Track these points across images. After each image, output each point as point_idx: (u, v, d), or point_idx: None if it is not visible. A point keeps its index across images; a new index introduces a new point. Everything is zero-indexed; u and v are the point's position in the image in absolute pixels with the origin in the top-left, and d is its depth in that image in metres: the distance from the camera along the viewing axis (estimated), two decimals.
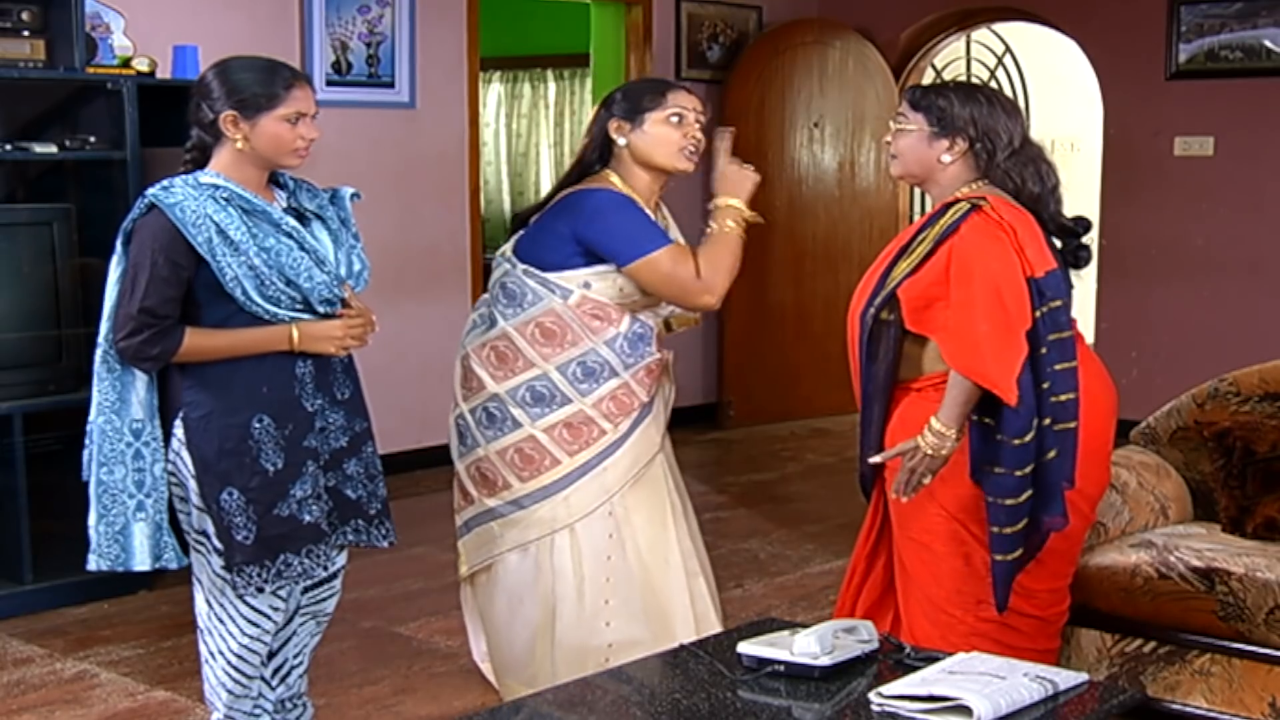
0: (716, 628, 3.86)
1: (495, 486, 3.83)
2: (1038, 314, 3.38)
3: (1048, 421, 3.39)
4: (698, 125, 3.79)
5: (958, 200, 3.47)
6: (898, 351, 3.51)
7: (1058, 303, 3.41)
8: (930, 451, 3.38)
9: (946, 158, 3.54)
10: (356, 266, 3.52)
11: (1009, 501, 3.38)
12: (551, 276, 3.75)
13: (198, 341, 3.34)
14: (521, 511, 3.82)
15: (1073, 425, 3.43)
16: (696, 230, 3.85)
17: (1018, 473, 3.36)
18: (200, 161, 3.44)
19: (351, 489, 3.58)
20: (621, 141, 3.77)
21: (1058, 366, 3.40)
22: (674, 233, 3.91)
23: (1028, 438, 3.35)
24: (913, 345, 3.51)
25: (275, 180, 3.52)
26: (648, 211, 3.78)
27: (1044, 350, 3.38)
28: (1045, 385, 3.38)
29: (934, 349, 3.47)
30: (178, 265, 3.30)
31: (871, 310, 3.52)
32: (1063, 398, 3.41)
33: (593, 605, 3.82)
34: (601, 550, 3.81)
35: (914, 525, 3.56)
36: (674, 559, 3.85)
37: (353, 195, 3.61)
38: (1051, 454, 3.40)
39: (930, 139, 3.54)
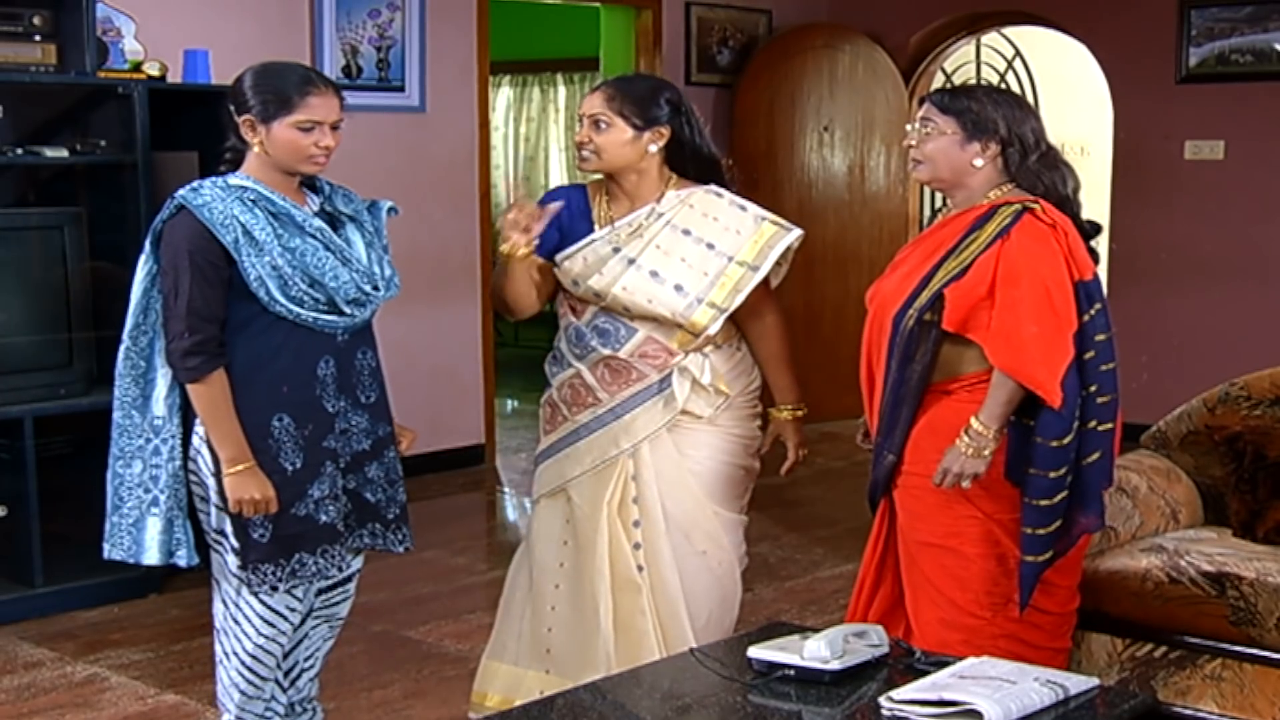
0: (650, 649, 3.75)
1: None
2: (1085, 317, 3.39)
3: (1092, 424, 3.40)
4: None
5: (1006, 203, 3.46)
6: (936, 353, 3.51)
7: (1099, 305, 3.43)
8: (969, 452, 3.38)
9: (979, 161, 3.51)
10: (388, 272, 3.57)
11: (1044, 503, 3.38)
12: None
13: (213, 392, 3.36)
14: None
15: (1111, 426, 3.45)
16: None
17: (1052, 474, 3.36)
18: (236, 163, 3.48)
19: (371, 492, 3.60)
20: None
21: (1103, 368, 3.42)
22: (713, 224, 3.82)
23: (1067, 440, 3.35)
24: (948, 347, 3.50)
25: (311, 184, 3.55)
26: (595, 213, 3.82)
27: (1092, 353, 3.39)
28: (1092, 388, 3.39)
29: (971, 352, 3.45)
30: (215, 265, 3.33)
31: (912, 312, 3.49)
32: (1106, 399, 3.43)
33: (541, 586, 3.86)
34: (556, 534, 3.86)
35: (936, 530, 3.53)
36: (601, 565, 3.80)
37: (390, 209, 3.64)
38: (1095, 456, 3.42)
39: (962, 143, 3.51)
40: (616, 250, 3.76)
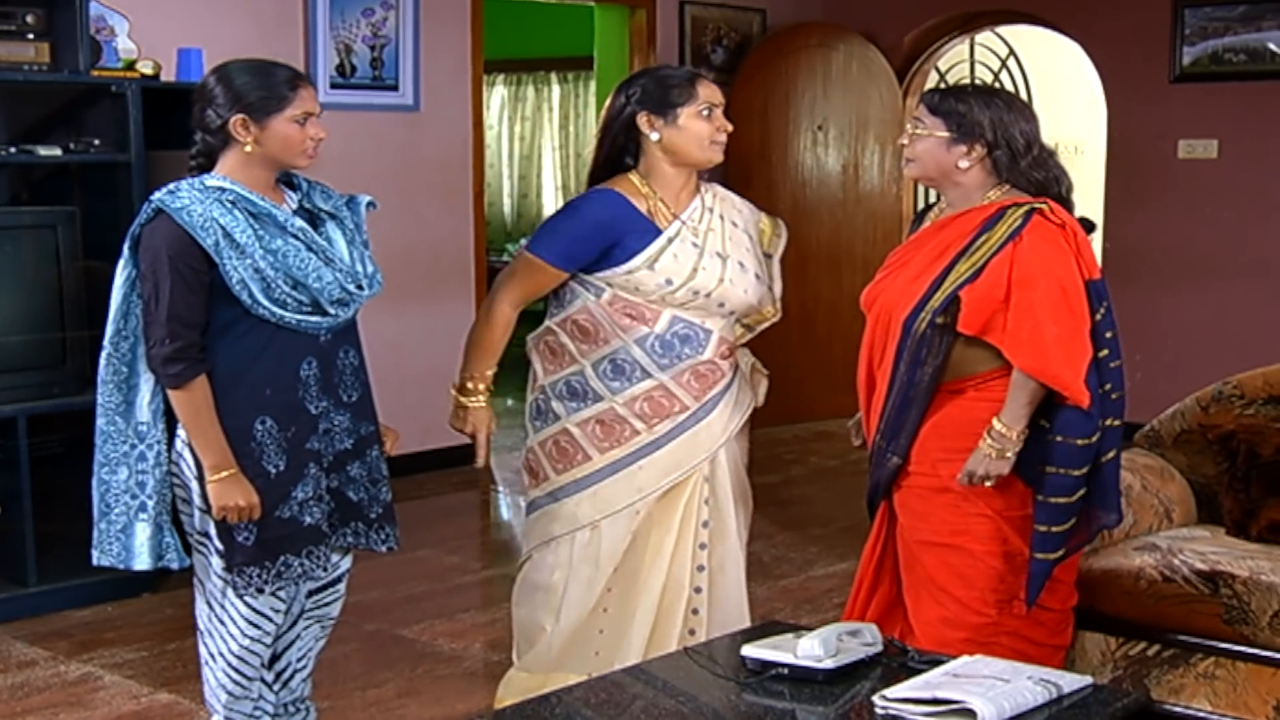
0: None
1: (537, 478, 3.88)
2: (1096, 316, 3.43)
3: (1109, 421, 3.44)
4: (723, 115, 3.80)
5: (1014, 204, 3.48)
6: (947, 355, 3.51)
7: (1106, 303, 3.47)
8: (993, 454, 3.39)
9: (964, 163, 3.53)
10: (370, 269, 3.54)
11: (1062, 500, 3.41)
12: (585, 275, 3.75)
13: (195, 398, 3.35)
14: (555, 504, 3.85)
15: (1122, 422, 3.49)
16: None
17: (1075, 472, 3.40)
18: (206, 166, 3.44)
19: (353, 491, 3.59)
20: (655, 136, 3.73)
21: (1113, 365, 3.46)
22: (740, 214, 3.88)
23: (1094, 438, 3.39)
24: (960, 349, 3.50)
25: (288, 181, 3.53)
26: (648, 213, 3.72)
27: (1105, 351, 3.43)
28: (1107, 385, 3.44)
29: (983, 352, 3.45)
30: (196, 269, 3.31)
31: (925, 314, 3.49)
32: (1118, 395, 3.48)
33: (595, 592, 3.83)
34: (619, 546, 3.81)
35: (941, 529, 3.54)
36: (661, 564, 3.81)
37: (369, 204, 3.63)
38: (1112, 453, 3.46)
39: (948, 144, 3.53)
40: (696, 245, 3.74)
